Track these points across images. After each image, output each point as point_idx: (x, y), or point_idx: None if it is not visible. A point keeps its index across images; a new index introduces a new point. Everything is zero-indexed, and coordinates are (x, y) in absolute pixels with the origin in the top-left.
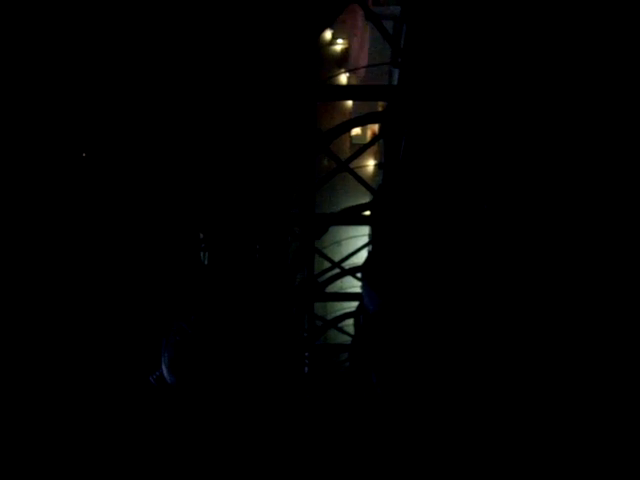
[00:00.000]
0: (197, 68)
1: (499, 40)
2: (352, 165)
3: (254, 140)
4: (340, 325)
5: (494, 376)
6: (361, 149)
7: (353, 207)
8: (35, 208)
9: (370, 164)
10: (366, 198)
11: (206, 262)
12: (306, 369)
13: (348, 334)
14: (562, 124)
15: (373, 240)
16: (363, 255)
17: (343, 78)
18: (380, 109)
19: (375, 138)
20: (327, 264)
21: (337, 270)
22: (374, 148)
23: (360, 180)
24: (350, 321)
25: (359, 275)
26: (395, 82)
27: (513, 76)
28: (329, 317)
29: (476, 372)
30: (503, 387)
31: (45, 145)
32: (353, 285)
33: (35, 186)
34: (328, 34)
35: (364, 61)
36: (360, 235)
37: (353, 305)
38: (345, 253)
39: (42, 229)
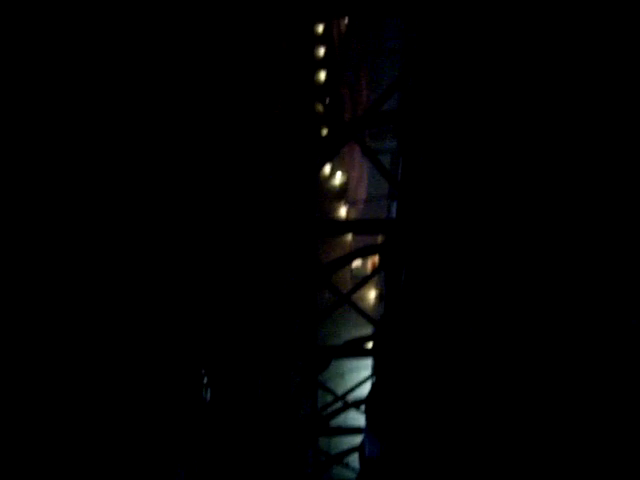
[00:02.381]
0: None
1: (495, 174)
2: (353, 297)
3: (257, 274)
4: (345, 460)
5: None
6: (362, 281)
7: (355, 339)
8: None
9: (371, 295)
10: (368, 329)
11: (208, 399)
12: None
13: (353, 470)
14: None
15: (376, 372)
16: (367, 387)
17: (342, 211)
18: (380, 240)
19: (375, 270)
20: (330, 397)
21: (341, 403)
22: (375, 278)
23: (361, 312)
24: (356, 455)
25: (363, 408)
26: (393, 215)
27: (511, 202)
28: (333, 452)
29: None
30: None
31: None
32: (358, 418)
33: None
34: (327, 168)
35: (363, 194)
36: (363, 367)
37: (358, 439)
38: (348, 385)
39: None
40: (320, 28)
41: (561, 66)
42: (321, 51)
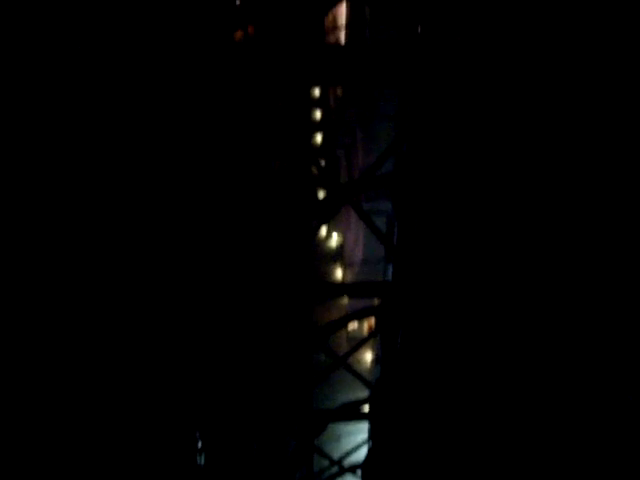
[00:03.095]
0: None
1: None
2: (349, 359)
3: (253, 336)
4: None
5: None
6: (358, 344)
7: (351, 402)
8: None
9: (368, 358)
10: (364, 392)
11: (202, 463)
12: None
13: None
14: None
15: (372, 437)
16: (363, 451)
17: (339, 272)
18: (376, 302)
19: (372, 333)
20: (326, 461)
21: (337, 468)
22: (371, 341)
23: (358, 375)
24: None
25: (360, 473)
26: (390, 278)
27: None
28: None
29: None
30: None
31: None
32: None
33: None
34: (323, 230)
35: (359, 256)
36: (359, 430)
37: None
38: (344, 449)
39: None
40: (317, 92)
41: (548, 115)
42: (318, 114)
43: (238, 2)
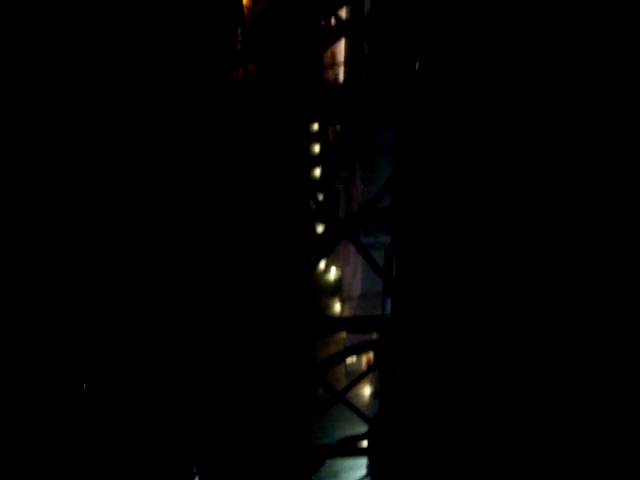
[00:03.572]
0: None
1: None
2: (348, 394)
3: (251, 372)
4: None
5: None
6: (356, 379)
7: (350, 438)
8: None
9: (366, 392)
10: (363, 427)
11: None
12: None
13: None
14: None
15: (371, 473)
16: None
17: (337, 306)
18: (375, 336)
19: (370, 368)
20: None
21: None
22: (370, 374)
23: (356, 410)
24: None
25: None
26: (388, 312)
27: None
28: None
29: None
30: None
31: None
32: None
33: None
34: (322, 263)
35: (357, 289)
36: (358, 466)
37: None
38: None
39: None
40: (315, 125)
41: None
42: (316, 148)
43: (239, 43)
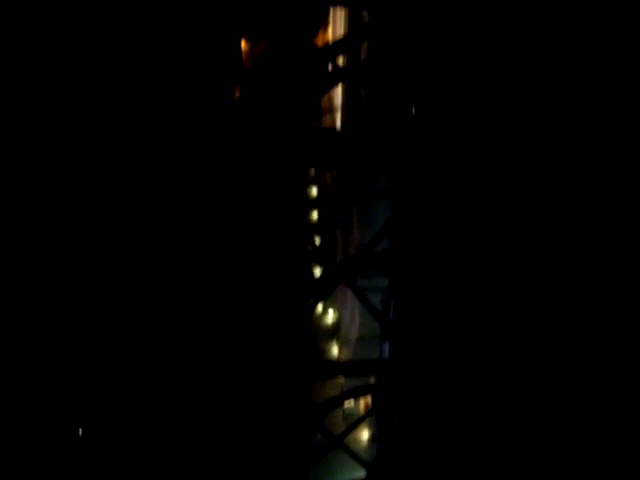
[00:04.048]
0: None
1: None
2: (346, 438)
3: (249, 416)
4: None
5: None
6: (354, 423)
7: None
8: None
9: (364, 436)
10: (361, 472)
11: None
12: None
13: None
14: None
15: None
16: None
17: (334, 349)
18: (373, 379)
19: (368, 412)
20: None
21: None
22: (368, 418)
23: (354, 455)
24: None
25: None
26: (386, 355)
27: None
28: None
29: None
30: None
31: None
32: None
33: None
34: (319, 306)
35: (355, 333)
36: None
37: None
38: None
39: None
40: (312, 169)
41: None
42: (314, 191)
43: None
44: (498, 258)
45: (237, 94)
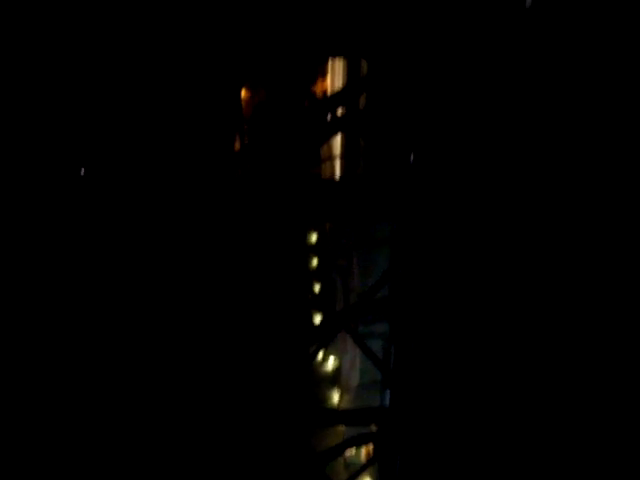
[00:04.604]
0: None
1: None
2: None
3: (247, 466)
4: None
5: None
6: (356, 472)
7: None
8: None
9: None
10: None
11: None
12: None
13: None
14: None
15: None
16: None
17: (335, 397)
18: (374, 427)
19: (370, 460)
20: None
21: None
22: (370, 467)
23: None
24: None
25: None
26: (387, 403)
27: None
28: None
29: None
30: None
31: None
32: None
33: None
34: (320, 354)
35: (355, 380)
36: None
37: None
38: None
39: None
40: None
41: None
42: (313, 237)
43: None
44: (500, 305)
45: (237, 144)
